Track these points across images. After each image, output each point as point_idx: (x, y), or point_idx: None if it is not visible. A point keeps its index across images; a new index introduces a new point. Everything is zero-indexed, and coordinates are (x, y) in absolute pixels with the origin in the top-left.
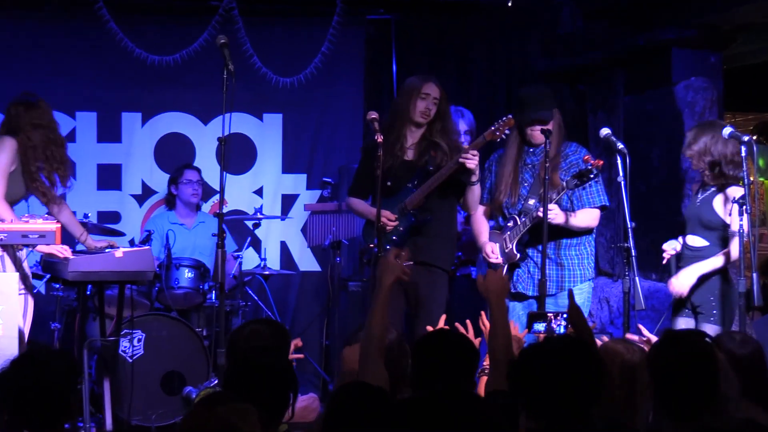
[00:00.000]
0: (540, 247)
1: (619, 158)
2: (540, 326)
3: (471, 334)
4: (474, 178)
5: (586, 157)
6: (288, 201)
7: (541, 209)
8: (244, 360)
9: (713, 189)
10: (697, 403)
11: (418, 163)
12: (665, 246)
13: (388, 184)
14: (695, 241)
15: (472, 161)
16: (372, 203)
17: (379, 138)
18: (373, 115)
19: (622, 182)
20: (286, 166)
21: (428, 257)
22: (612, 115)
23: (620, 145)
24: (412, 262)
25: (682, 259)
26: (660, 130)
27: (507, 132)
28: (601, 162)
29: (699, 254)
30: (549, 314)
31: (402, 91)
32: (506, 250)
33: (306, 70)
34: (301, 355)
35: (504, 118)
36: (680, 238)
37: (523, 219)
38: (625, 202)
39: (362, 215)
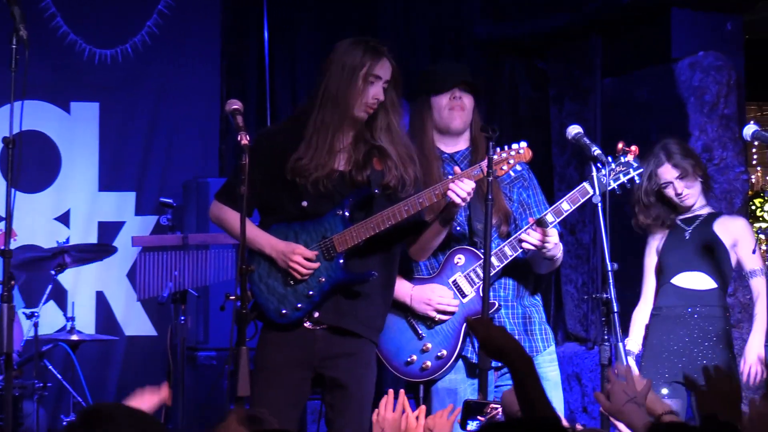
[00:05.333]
0: (513, 297)
1: (594, 169)
2: (473, 425)
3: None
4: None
5: (620, 146)
6: (108, 232)
7: (528, 232)
8: None
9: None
10: None
11: (356, 177)
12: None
13: (304, 204)
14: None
15: (459, 194)
16: (265, 223)
17: (244, 139)
18: (236, 105)
19: (599, 204)
20: (105, 181)
21: (354, 324)
22: (585, 105)
23: (596, 150)
24: (325, 326)
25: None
26: (654, 126)
27: (520, 168)
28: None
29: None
30: (491, 406)
31: (337, 63)
32: (464, 300)
33: (135, 37)
34: None
35: (518, 147)
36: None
37: (497, 251)
38: (604, 233)
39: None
